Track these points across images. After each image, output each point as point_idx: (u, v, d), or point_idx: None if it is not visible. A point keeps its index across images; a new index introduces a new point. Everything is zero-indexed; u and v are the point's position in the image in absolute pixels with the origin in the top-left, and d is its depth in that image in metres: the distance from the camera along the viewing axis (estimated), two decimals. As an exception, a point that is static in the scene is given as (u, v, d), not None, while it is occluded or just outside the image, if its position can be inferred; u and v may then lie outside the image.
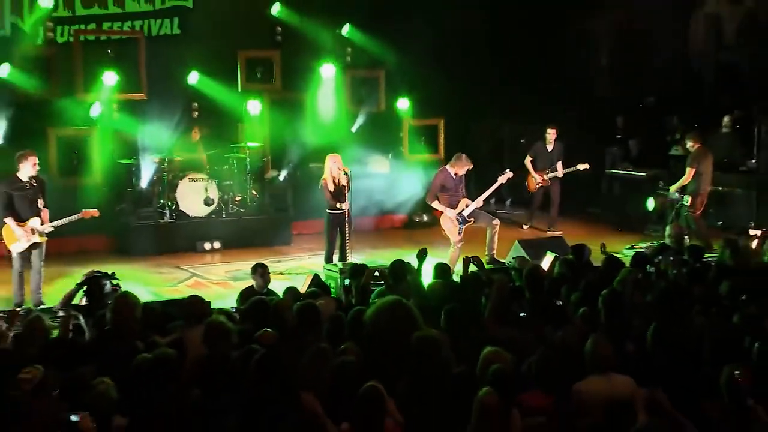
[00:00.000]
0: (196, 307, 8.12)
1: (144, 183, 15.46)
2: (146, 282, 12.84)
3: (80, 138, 15.57)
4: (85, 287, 9.10)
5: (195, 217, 15.44)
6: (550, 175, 16.36)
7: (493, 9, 17.92)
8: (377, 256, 13.63)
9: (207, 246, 15.29)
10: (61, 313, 8.40)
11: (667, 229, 12.94)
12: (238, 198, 16.01)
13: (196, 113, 16.48)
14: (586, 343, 6.69)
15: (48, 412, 6.05)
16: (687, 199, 14.38)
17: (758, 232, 13.05)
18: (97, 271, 9.36)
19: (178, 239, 15.31)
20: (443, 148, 17.94)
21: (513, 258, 12.57)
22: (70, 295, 8.97)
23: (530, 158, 16.54)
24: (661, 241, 12.58)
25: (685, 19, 20.86)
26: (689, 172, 14.43)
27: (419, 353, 6.59)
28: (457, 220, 13.33)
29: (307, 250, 15.39)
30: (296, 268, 13.84)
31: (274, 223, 16.16)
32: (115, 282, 9.41)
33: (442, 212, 13.61)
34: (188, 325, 7.92)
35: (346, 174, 12.94)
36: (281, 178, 16.77)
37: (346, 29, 17.68)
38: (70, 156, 15.05)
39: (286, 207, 16.49)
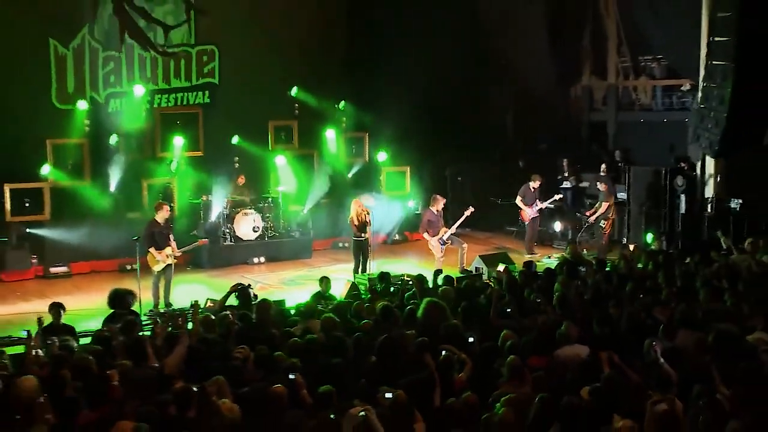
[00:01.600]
0: (310, 306, 9.19)
1: (211, 216, 15.99)
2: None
3: (163, 185, 16.23)
4: (236, 293, 9.66)
5: (246, 239, 16.04)
6: (536, 207, 16.30)
7: (437, 87, 17.97)
8: (378, 264, 13.91)
9: (255, 260, 15.99)
10: (227, 312, 8.90)
11: (567, 248, 13.27)
12: (272, 225, 16.53)
13: (237, 165, 16.97)
14: (561, 326, 7.47)
15: (249, 376, 6.92)
16: (603, 223, 15.43)
17: (632, 246, 13.72)
18: (240, 284, 9.92)
19: (235, 256, 15.93)
20: (409, 187, 18.69)
21: (478, 267, 13.50)
22: (225, 298, 9.52)
23: (520, 197, 16.36)
24: (564, 255, 12.82)
25: (567, 89, 21.68)
26: (604, 206, 15.52)
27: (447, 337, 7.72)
28: (440, 243, 14.20)
29: (324, 262, 16.11)
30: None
31: (300, 243, 16.78)
32: (253, 290, 9.96)
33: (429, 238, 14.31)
34: (305, 319, 8.74)
35: (368, 213, 13.73)
36: (303, 211, 17.21)
37: (341, 104, 18.19)
38: (157, 198, 15.30)
39: (308, 231, 17.06)
